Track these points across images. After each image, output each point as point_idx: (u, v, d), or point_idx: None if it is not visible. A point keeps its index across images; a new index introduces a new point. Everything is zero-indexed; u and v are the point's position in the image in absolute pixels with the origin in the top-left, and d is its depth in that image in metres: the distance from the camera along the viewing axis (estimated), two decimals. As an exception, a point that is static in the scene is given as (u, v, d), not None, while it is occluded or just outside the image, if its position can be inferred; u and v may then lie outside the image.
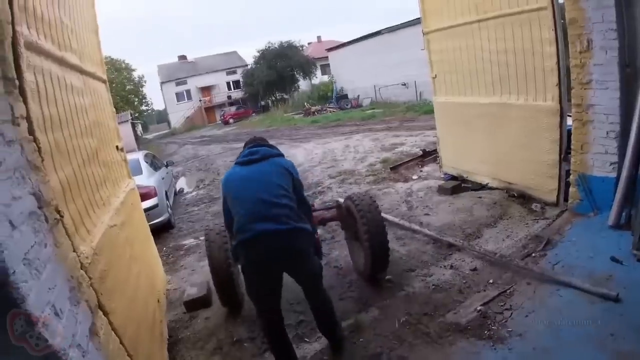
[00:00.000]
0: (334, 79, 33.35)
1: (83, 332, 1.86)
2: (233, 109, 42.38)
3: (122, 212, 3.57)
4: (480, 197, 6.08)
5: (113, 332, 2.31)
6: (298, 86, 40.63)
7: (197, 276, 5.38)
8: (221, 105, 45.94)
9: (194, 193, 10.98)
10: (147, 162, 8.52)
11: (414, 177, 7.81)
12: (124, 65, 45.34)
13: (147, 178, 7.71)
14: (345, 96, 30.26)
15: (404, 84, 24.12)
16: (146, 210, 6.96)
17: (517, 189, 5.84)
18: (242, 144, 3.34)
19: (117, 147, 4.43)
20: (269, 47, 39.55)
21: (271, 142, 3.40)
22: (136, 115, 45.43)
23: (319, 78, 41.07)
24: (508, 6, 5.26)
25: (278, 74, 37.91)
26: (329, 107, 28.87)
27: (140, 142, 41.59)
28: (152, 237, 5.18)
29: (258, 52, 40.19)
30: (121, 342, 2.39)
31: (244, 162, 2.97)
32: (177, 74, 47.33)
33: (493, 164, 6.13)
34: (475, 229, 5.14)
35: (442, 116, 6.98)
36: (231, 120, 38.67)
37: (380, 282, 4.19)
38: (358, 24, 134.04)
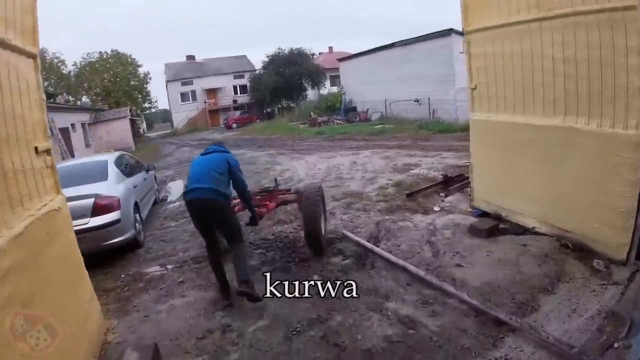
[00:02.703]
0: (343, 90, 32.05)
1: None
2: (237, 113, 41.21)
3: (15, 250, 2.25)
4: (525, 245, 4.74)
5: None
6: (306, 95, 39.30)
7: (148, 327, 4.02)
8: (226, 109, 44.85)
9: (177, 203, 9.59)
10: (117, 166, 7.15)
11: (436, 208, 6.45)
12: (129, 60, 44.41)
13: (113, 186, 6.35)
14: (354, 109, 28.99)
15: (417, 101, 22.83)
16: (104, 226, 5.70)
17: (574, 239, 4.52)
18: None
19: (36, 149, 3.09)
20: (278, 52, 38.34)
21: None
22: (137, 112, 44.47)
23: (327, 89, 39.83)
24: (582, 2, 3.98)
25: (286, 81, 36.58)
26: (336, 119, 27.56)
27: (142, 140, 40.87)
28: (85, 273, 3.79)
29: (267, 57, 39.00)
30: None
31: (203, 154, 4.54)
32: (183, 73, 46.30)
33: (545, 205, 4.79)
34: (528, 294, 3.78)
35: (480, 138, 5.61)
36: (234, 125, 37.44)
37: None
38: (371, 38, 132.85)
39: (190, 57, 49.33)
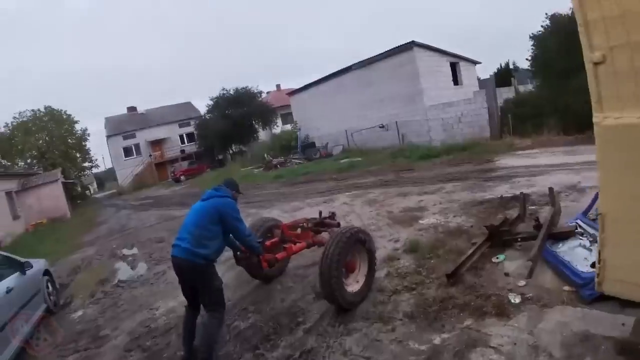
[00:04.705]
0: (297, 126, 29.41)
1: None
2: (185, 164, 37.66)
3: None
4: None
5: None
6: (257, 137, 36.38)
7: None
8: (174, 161, 41.15)
9: (79, 312, 6.22)
10: None
11: (514, 299, 3.55)
12: (64, 116, 40.17)
13: None
14: (312, 145, 26.30)
15: (382, 126, 20.45)
16: None
17: None
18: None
19: None
20: (223, 94, 35.17)
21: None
22: (76, 173, 40.08)
23: (280, 128, 37.13)
24: None
25: (234, 124, 33.23)
26: (294, 159, 24.71)
27: (87, 202, 36.31)
28: None
29: (212, 99, 35.87)
30: None
31: (201, 199, 4.10)
32: (125, 126, 42.55)
33: None
34: None
35: (621, 161, 2.69)
36: (182, 178, 33.84)
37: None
38: (318, 74, 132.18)
39: (132, 109, 45.81)
